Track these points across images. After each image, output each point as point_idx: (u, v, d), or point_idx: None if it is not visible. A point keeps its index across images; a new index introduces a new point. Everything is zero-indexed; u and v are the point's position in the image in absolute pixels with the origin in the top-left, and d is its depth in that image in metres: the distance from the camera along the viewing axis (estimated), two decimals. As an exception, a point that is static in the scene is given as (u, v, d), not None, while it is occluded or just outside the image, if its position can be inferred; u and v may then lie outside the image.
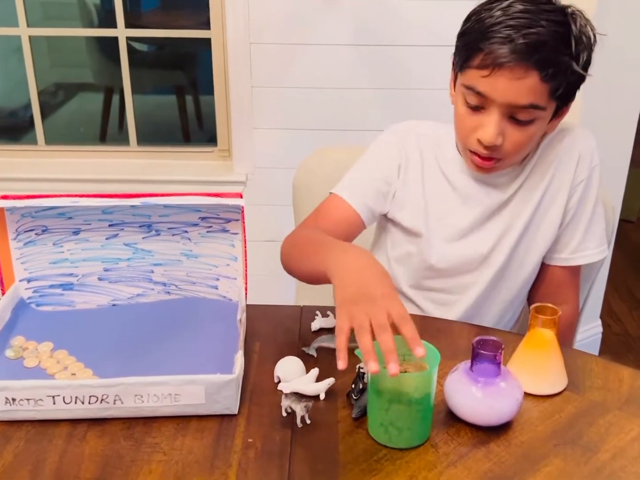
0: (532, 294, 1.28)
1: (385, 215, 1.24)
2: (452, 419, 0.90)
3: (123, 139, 2.50)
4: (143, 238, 1.08)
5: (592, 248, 1.20)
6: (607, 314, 2.70)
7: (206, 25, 2.24)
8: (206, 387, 0.87)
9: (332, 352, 1.02)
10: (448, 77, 1.16)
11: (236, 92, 2.21)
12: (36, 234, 1.06)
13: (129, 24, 2.31)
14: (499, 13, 1.01)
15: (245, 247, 1.07)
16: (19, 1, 2.26)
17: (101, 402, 0.87)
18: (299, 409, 0.87)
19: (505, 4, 1.02)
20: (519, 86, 1.01)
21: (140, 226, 1.07)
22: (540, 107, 1.04)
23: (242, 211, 1.04)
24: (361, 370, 0.91)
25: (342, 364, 0.78)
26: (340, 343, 0.80)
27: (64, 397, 0.86)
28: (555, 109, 1.08)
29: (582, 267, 1.24)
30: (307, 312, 1.13)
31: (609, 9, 1.84)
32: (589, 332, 2.40)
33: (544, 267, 1.24)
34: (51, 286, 1.10)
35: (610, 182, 2.08)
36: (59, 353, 1.00)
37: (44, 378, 0.94)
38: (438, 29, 2.01)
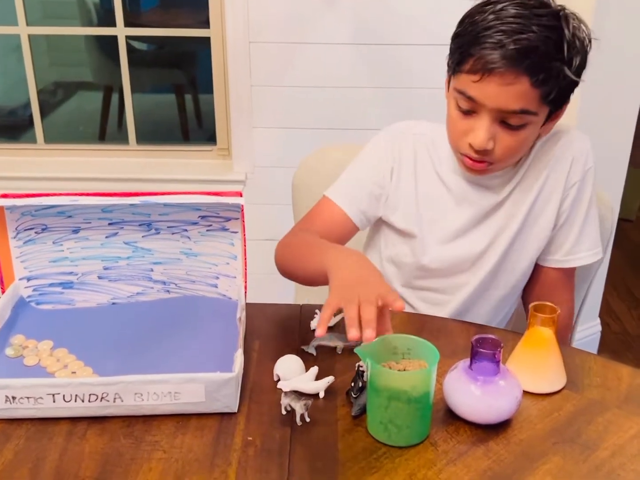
0: (527, 295, 1.28)
1: (379, 217, 1.25)
2: (452, 417, 0.90)
3: (122, 138, 2.51)
4: (143, 237, 1.08)
5: (586, 250, 1.20)
6: (606, 313, 2.71)
7: (206, 24, 2.24)
8: (206, 385, 0.87)
9: (331, 350, 1.03)
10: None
11: (236, 91, 2.21)
12: (36, 232, 1.07)
13: (128, 23, 2.31)
14: (491, 17, 1.01)
15: (245, 245, 1.08)
16: (18, 0, 2.26)
17: (101, 400, 0.87)
18: (299, 407, 0.87)
19: (498, 7, 1.01)
20: (510, 92, 1.01)
21: (140, 225, 1.07)
22: (532, 112, 1.04)
23: (242, 210, 1.04)
24: (361, 369, 0.92)
25: (320, 331, 0.83)
26: (324, 314, 0.85)
27: (64, 396, 0.87)
28: (548, 112, 1.07)
29: (580, 267, 1.24)
30: (306, 311, 1.13)
31: (609, 8, 1.84)
32: (588, 331, 2.40)
33: (538, 268, 1.24)
34: (51, 285, 1.11)
35: (609, 181, 2.09)
36: (59, 351, 1.00)
37: (44, 376, 0.94)
38: (438, 28, 2.01)
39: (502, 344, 0.87)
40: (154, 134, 3.36)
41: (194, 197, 1.02)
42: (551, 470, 0.82)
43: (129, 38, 2.35)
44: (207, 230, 1.08)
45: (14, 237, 1.06)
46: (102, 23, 3.35)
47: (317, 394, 0.93)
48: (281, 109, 2.24)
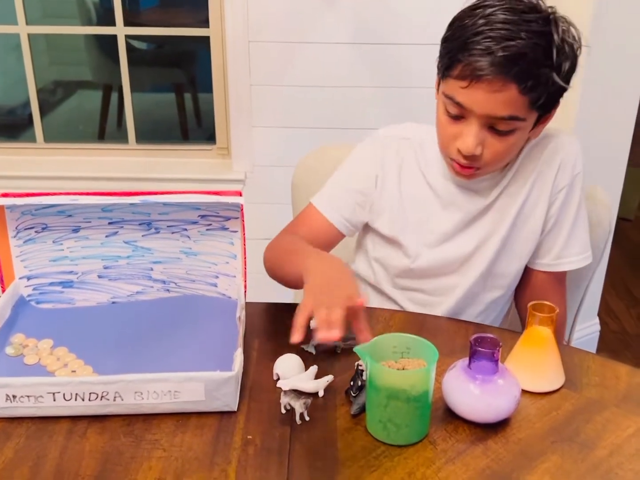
0: (519, 298, 1.28)
1: (366, 222, 1.26)
2: (450, 416, 0.90)
3: (122, 137, 2.51)
4: (142, 236, 1.09)
5: (575, 255, 1.20)
6: (605, 312, 2.71)
7: (205, 23, 2.24)
8: (206, 384, 0.88)
9: (331, 349, 1.03)
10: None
11: (235, 90, 2.21)
12: (36, 231, 1.07)
13: (127, 22, 2.31)
14: (481, 22, 1.00)
15: (245, 245, 1.08)
16: (18, -1, 2.26)
17: (101, 399, 0.87)
18: (298, 405, 0.88)
19: (488, 11, 1.00)
20: (498, 98, 1.00)
21: (139, 224, 1.08)
22: (520, 119, 1.03)
23: (242, 209, 1.05)
24: (360, 368, 0.92)
25: (296, 337, 0.87)
26: (298, 320, 0.88)
27: (64, 394, 0.87)
28: (537, 117, 1.07)
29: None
30: (306, 310, 1.14)
31: (607, 8, 1.84)
32: (587, 330, 2.40)
33: (528, 271, 1.24)
34: (51, 284, 1.11)
35: (608, 180, 2.09)
36: (59, 350, 1.00)
37: (44, 375, 0.94)
38: (438, 27, 2.00)
39: (500, 343, 0.87)
40: (153, 133, 3.37)
41: (193, 196, 1.02)
42: (550, 469, 0.82)
43: (128, 37, 2.35)
44: (207, 230, 1.08)
45: (14, 236, 1.07)
46: (101, 22, 3.36)
47: (317, 393, 0.93)
48: (281, 108, 2.24)
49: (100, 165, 2.40)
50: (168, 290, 1.13)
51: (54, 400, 0.87)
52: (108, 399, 0.87)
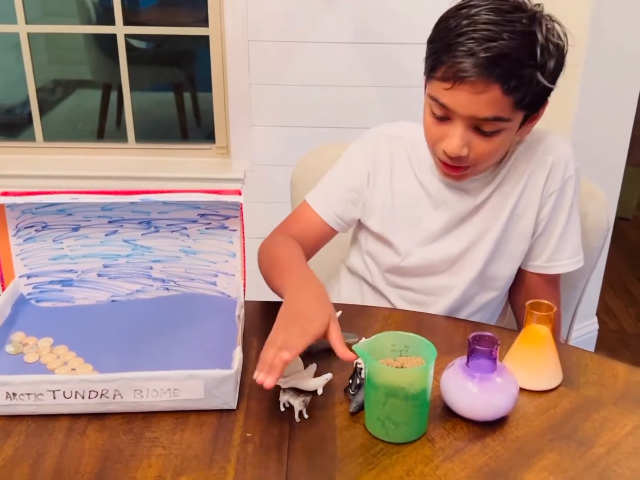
0: (514, 298, 1.28)
1: (359, 219, 1.26)
2: (449, 414, 0.91)
3: (121, 136, 2.51)
4: (142, 234, 1.09)
5: (567, 258, 1.19)
6: (603, 311, 2.71)
7: (204, 22, 2.24)
8: (205, 382, 0.88)
9: (330, 347, 1.03)
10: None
11: (234, 90, 2.22)
12: (36, 230, 1.07)
13: (127, 21, 2.31)
14: (464, 22, 1.00)
15: (244, 243, 1.08)
16: (17, -2, 2.27)
17: (101, 397, 0.88)
18: (297, 403, 0.88)
19: (472, 11, 1.00)
20: (481, 100, 1.00)
21: (139, 223, 1.08)
22: (505, 119, 1.02)
23: (241, 208, 1.05)
24: (359, 366, 0.92)
25: (260, 377, 0.84)
26: (264, 355, 0.86)
27: (64, 392, 0.87)
28: (524, 116, 1.06)
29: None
30: (305, 309, 1.14)
31: (606, 7, 1.85)
32: (585, 329, 2.41)
33: (522, 273, 1.24)
34: (51, 282, 1.11)
35: (606, 180, 2.09)
36: (59, 348, 1.00)
37: (44, 373, 0.95)
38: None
39: (498, 342, 0.87)
40: (152, 132, 3.37)
41: (193, 195, 1.03)
42: (547, 466, 0.83)
43: (128, 36, 2.35)
44: (206, 228, 1.09)
45: (14, 235, 1.07)
46: (101, 21, 3.36)
47: (316, 391, 0.93)
48: (280, 107, 2.24)
49: (99, 164, 2.41)
50: (167, 288, 1.14)
51: (54, 398, 0.87)
52: (108, 397, 0.88)
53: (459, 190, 1.17)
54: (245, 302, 1.09)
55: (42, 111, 2.45)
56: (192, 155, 2.44)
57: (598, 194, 1.31)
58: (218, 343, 1.01)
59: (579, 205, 1.21)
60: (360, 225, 1.28)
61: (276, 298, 1.18)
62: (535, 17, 1.00)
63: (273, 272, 1.11)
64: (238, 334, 0.98)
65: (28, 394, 0.87)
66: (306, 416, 0.89)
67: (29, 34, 2.33)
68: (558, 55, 1.02)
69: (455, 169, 1.09)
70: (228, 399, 0.90)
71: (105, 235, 1.09)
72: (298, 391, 0.89)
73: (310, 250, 1.23)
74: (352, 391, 0.92)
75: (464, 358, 0.90)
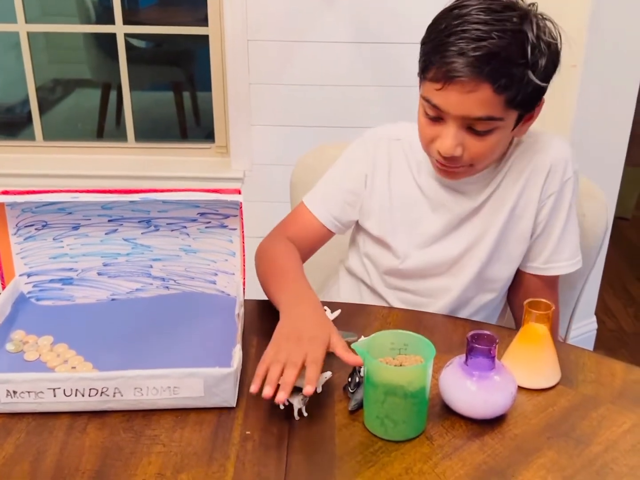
0: (512, 299, 1.28)
1: (357, 221, 1.26)
2: (447, 412, 0.91)
3: (121, 135, 2.51)
4: (142, 233, 1.09)
5: (565, 260, 1.19)
6: (602, 311, 2.72)
7: (204, 22, 2.24)
8: (205, 380, 0.88)
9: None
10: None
11: (234, 89, 2.22)
12: (36, 229, 1.07)
13: (126, 21, 2.31)
14: (455, 22, 1.00)
15: (244, 242, 1.08)
16: (17, -3, 2.27)
17: (101, 395, 0.88)
18: (296, 402, 0.88)
19: (464, 11, 1.00)
20: (472, 99, 1.00)
21: (139, 221, 1.08)
22: (497, 118, 1.02)
23: (241, 207, 1.05)
24: (358, 364, 0.93)
25: (253, 387, 0.86)
26: (258, 371, 0.88)
27: (64, 390, 0.87)
28: (518, 115, 1.05)
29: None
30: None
31: (605, 6, 1.85)
32: (584, 329, 2.41)
33: (520, 274, 1.24)
34: (51, 281, 1.11)
35: (605, 179, 2.09)
36: (59, 347, 1.01)
37: (45, 371, 0.95)
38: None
39: (497, 340, 0.88)
40: (152, 131, 3.37)
41: (193, 194, 1.03)
42: (545, 464, 0.83)
43: (127, 36, 2.36)
44: (206, 227, 1.09)
45: (15, 234, 1.07)
46: (100, 20, 3.36)
47: (315, 389, 0.93)
48: (279, 107, 2.25)
49: (99, 163, 2.41)
50: (167, 287, 1.14)
51: (54, 396, 0.88)
52: (108, 395, 0.88)
53: (457, 192, 1.17)
54: (245, 300, 1.09)
55: (42, 110, 2.46)
56: (191, 154, 2.44)
57: (597, 193, 1.32)
58: (218, 341, 1.01)
59: (577, 206, 1.21)
60: (358, 227, 1.28)
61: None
62: (527, 16, 1.00)
63: (269, 279, 1.11)
64: (238, 333, 0.98)
65: (28, 392, 0.87)
66: (305, 414, 0.89)
67: (28, 33, 2.33)
68: (550, 53, 1.02)
69: (450, 168, 1.09)
70: (228, 397, 0.90)
71: (105, 234, 1.09)
72: (297, 389, 0.89)
73: (307, 251, 1.23)
74: (351, 389, 0.93)
75: (463, 356, 0.90)
